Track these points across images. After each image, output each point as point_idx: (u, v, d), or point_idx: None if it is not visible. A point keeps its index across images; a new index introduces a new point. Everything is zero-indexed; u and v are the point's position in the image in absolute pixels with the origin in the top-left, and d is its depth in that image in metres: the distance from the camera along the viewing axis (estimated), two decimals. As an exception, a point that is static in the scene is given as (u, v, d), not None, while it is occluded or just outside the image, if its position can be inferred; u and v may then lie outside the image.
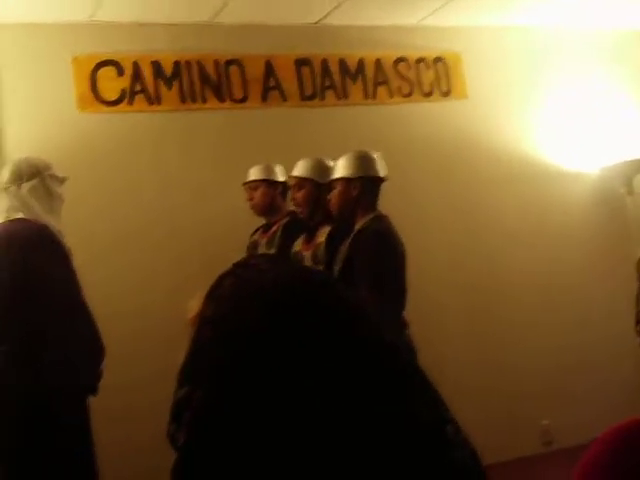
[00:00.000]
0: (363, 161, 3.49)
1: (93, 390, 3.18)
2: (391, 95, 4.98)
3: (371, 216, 3.44)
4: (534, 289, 5.03)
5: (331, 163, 3.64)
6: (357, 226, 3.44)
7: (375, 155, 3.55)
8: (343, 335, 0.87)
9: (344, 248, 3.41)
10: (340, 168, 3.50)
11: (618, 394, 4.87)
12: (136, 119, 4.45)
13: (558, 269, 5.08)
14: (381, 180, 3.53)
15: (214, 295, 0.95)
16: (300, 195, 3.74)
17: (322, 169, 3.70)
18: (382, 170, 3.53)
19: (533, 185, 5.11)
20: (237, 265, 0.99)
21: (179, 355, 0.97)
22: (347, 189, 3.47)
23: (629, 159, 5.11)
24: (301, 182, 3.76)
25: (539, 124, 5.20)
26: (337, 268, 3.37)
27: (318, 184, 3.69)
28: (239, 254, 3.26)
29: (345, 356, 0.85)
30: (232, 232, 4.23)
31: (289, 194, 3.95)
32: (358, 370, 0.85)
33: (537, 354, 4.94)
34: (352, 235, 3.40)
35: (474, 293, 4.90)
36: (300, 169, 3.78)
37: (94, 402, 3.21)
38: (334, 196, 3.50)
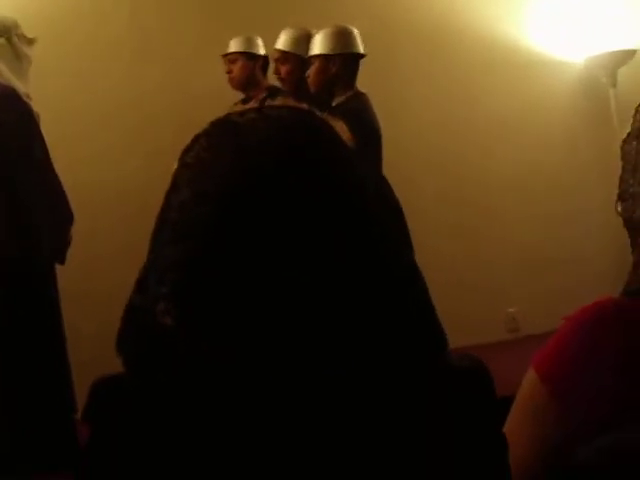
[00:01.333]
0: (342, 37, 3.36)
1: (61, 258, 3.10)
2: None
3: (349, 94, 3.35)
4: (515, 178, 4.97)
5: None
6: (334, 102, 3.34)
7: (354, 30, 3.41)
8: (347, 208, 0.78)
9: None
10: (318, 44, 3.36)
11: (593, 288, 4.90)
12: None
13: (539, 158, 5.01)
14: (360, 57, 3.40)
15: (188, 157, 0.84)
16: (284, 69, 3.62)
17: (306, 41, 3.53)
18: (361, 46, 3.39)
19: (516, 72, 4.99)
20: (215, 123, 0.86)
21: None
22: (325, 66, 3.35)
23: (614, 50, 5.00)
24: (285, 56, 3.63)
25: (525, 9, 5.03)
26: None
27: (302, 58, 3.54)
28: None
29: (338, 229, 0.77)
30: (208, 107, 4.06)
31: (269, 68, 3.80)
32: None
33: (513, 248, 4.93)
34: (327, 112, 3.30)
35: (453, 179, 4.83)
36: (284, 42, 3.63)
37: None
38: (312, 73, 3.38)
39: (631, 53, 5.01)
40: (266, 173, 0.76)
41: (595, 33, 5.06)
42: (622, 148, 1.06)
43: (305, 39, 3.56)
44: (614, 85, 5.05)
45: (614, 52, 4.99)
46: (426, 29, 4.81)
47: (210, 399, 0.74)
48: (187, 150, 0.84)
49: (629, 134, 1.06)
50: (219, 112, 0.88)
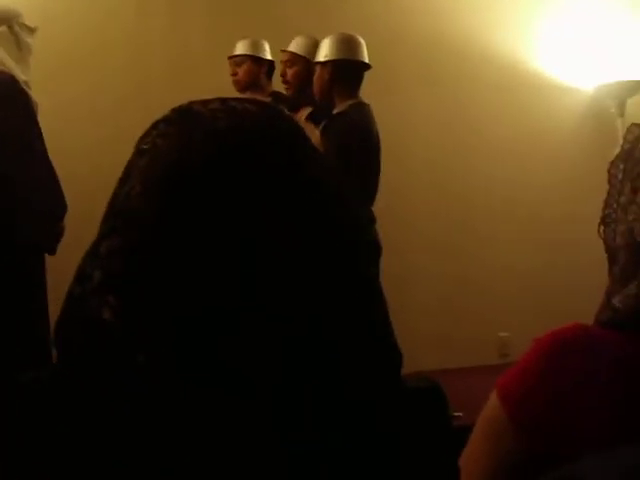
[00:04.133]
0: (338, 44, 3.37)
1: (51, 248, 3.07)
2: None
3: (350, 102, 3.33)
4: (517, 202, 4.94)
5: None
6: (334, 111, 3.33)
7: (357, 39, 3.40)
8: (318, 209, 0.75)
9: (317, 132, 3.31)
10: (320, 50, 3.40)
11: (585, 317, 4.85)
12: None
13: (542, 183, 4.98)
14: (362, 65, 3.39)
15: (143, 143, 0.80)
16: (291, 72, 3.66)
17: (317, 48, 3.53)
18: (361, 55, 3.38)
19: (524, 94, 4.97)
20: (176, 109, 0.82)
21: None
22: (322, 72, 3.36)
23: (624, 80, 4.99)
24: (294, 58, 3.68)
25: (538, 32, 5.02)
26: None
27: (310, 63, 3.55)
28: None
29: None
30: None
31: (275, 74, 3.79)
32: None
33: (508, 271, 4.89)
34: (326, 120, 3.31)
35: (452, 200, 4.79)
36: (295, 45, 3.68)
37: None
38: (314, 79, 3.40)
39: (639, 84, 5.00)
40: (212, 161, 0.72)
41: (606, 62, 5.07)
42: (609, 171, 1.03)
43: (315, 46, 3.57)
44: (622, 115, 5.03)
45: (624, 82, 4.98)
46: (433, 48, 4.80)
47: (133, 410, 0.69)
48: (144, 136, 0.80)
49: (617, 156, 1.02)
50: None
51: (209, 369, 0.70)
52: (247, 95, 3.86)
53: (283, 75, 3.70)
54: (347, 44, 3.35)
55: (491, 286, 4.87)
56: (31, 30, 3.09)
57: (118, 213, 0.76)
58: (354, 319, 0.76)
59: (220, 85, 3.98)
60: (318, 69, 3.36)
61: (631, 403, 0.84)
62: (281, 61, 3.75)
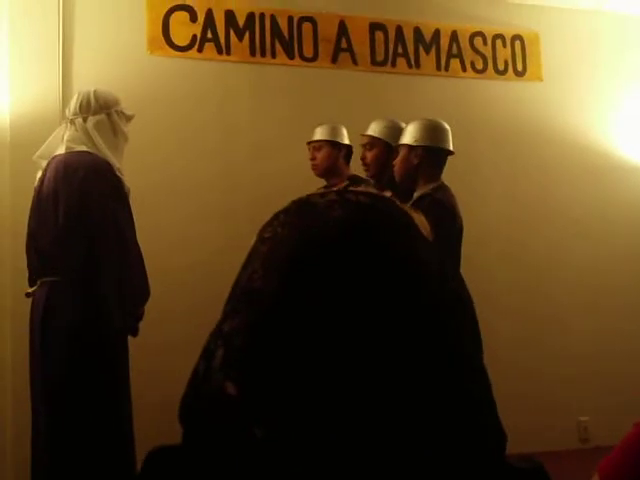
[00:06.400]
0: (429, 130, 3.40)
1: (134, 331, 3.14)
2: (464, 69, 4.85)
3: (433, 185, 3.36)
4: (590, 279, 4.89)
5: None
6: (416, 194, 3.36)
7: (445, 126, 3.45)
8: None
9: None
10: (406, 134, 3.44)
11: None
12: (204, 67, 4.39)
13: (614, 263, 4.92)
14: (447, 152, 3.43)
15: (265, 232, 0.86)
16: (370, 155, 3.70)
17: (396, 131, 3.62)
18: (449, 143, 3.43)
19: (601, 176, 4.96)
20: (295, 202, 0.88)
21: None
22: (409, 156, 3.39)
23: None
24: (373, 141, 3.72)
25: (615, 115, 5.02)
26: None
27: (389, 146, 3.62)
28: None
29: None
30: (290, 191, 4.14)
31: (352, 158, 3.88)
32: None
33: (586, 345, 4.82)
34: (410, 202, 3.32)
35: (530, 270, 4.78)
36: (374, 128, 3.74)
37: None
38: (397, 161, 3.44)
39: None
40: (329, 245, 0.78)
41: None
42: None
43: (394, 129, 3.65)
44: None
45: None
46: (511, 128, 4.85)
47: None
48: (266, 226, 0.86)
49: None
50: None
51: (324, 445, 0.74)
52: (326, 179, 3.95)
53: (363, 158, 3.76)
54: (436, 131, 3.40)
55: (570, 372, 4.78)
56: (128, 118, 3.21)
57: (240, 295, 0.81)
58: (457, 399, 0.79)
59: (299, 168, 4.11)
60: (404, 152, 3.41)
61: None
62: (361, 144, 3.82)
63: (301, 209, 0.85)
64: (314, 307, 0.76)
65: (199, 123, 4.35)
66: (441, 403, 0.77)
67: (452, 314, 0.80)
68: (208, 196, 4.31)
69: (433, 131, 3.40)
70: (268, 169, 4.38)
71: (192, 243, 4.21)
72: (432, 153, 3.38)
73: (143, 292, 3.14)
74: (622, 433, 1.35)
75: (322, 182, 3.99)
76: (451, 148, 3.43)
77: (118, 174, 3.09)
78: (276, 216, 0.86)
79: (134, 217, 3.13)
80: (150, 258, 3.20)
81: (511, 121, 4.85)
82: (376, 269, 0.77)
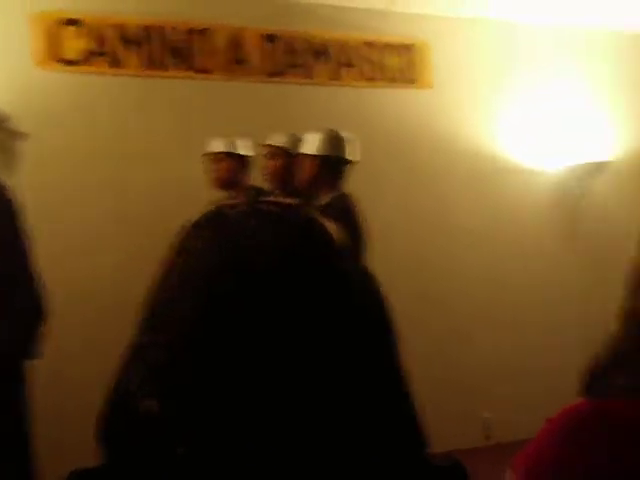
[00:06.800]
0: (329, 140, 3.45)
1: (29, 354, 2.99)
2: (356, 78, 4.91)
3: (334, 194, 3.40)
4: (488, 285, 5.04)
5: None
6: (319, 202, 3.39)
7: (346, 136, 3.50)
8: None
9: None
10: (305, 143, 3.46)
11: (565, 400, 4.89)
12: (95, 81, 4.29)
13: (511, 266, 5.10)
14: (347, 162, 3.48)
15: (179, 244, 0.85)
16: (272, 164, 3.71)
17: (296, 142, 3.64)
18: (349, 152, 3.48)
19: (492, 181, 5.12)
20: (207, 214, 0.88)
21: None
22: (308, 165, 3.43)
23: (587, 162, 5.15)
24: (275, 151, 3.73)
25: (503, 120, 5.19)
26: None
27: (291, 156, 3.63)
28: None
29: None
30: (186, 204, 4.10)
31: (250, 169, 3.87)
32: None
33: (486, 351, 4.96)
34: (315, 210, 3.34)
35: (429, 282, 4.89)
36: (274, 138, 3.76)
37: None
38: (297, 171, 3.47)
39: (603, 165, 5.17)
40: (247, 256, 0.77)
41: (570, 144, 5.22)
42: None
43: (294, 140, 3.67)
44: (585, 196, 5.19)
45: (587, 164, 5.15)
46: (404, 134, 4.94)
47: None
48: (180, 238, 0.85)
49: None
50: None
51: (245, 461, 0.73)
52: (226, 191, 3.91)
53: (265, 168, 3.75)
54: (336, 140, 3.44)
55: (472, 367, 4.91)
56: (20, 135, 3.09)
57: (156, 310, 0.80)
58: (381, 400, 0.80)
59: (192, 180, 4.07)
60: (303, 161, 3.43)
61: None
62: (262, 154, 3.81)
63: (214, 221, 0.85)
64: (234, 320, 0.75)
65: (91, 138, 4.24)
66: (368, 412, 0.78)
67: (377, 316, 0.82)
68: (100, 211, 4.24)
69: (333, 140, 3.45)
70: (160, 180, 4.32)
71: (91, 251, 4.13)
72: (332, 163, 3.42)
73: (36, 312, 2.97)
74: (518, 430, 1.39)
75: (216, 194, 3.94)
76: (350, 157, 3.47)
77: (10, 192, 2.97)
78: (191, 227, 0.85)
79: (29, 230, 3.00)
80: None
81: (403, 129, 4.94)
82: (296, 278, 0.78)
